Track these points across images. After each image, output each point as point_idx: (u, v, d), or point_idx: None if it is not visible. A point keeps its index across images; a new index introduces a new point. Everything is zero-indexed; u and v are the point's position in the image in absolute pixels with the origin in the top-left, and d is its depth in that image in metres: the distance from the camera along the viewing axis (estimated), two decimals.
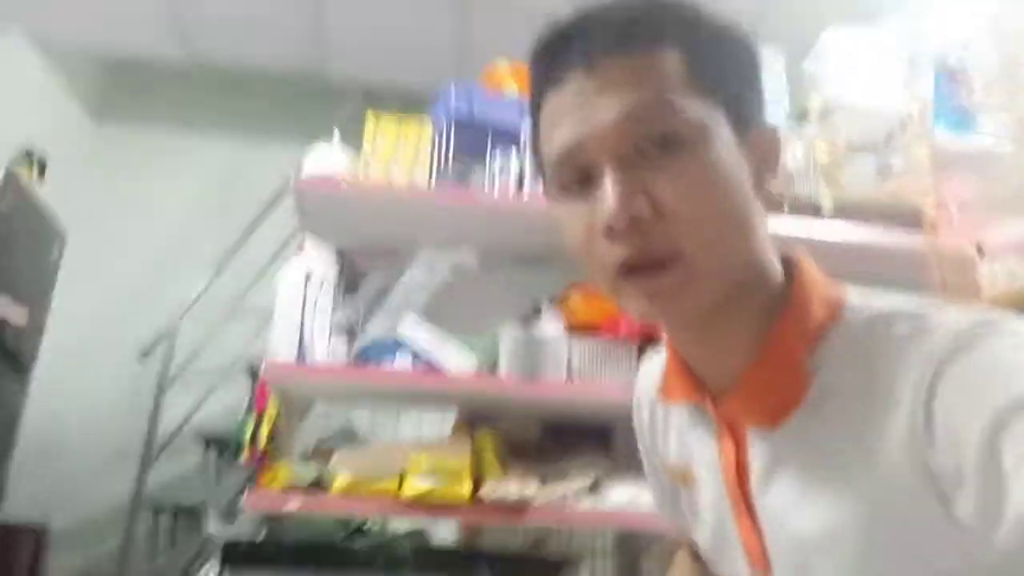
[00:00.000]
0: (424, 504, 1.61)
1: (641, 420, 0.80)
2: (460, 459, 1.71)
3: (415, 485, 1.62)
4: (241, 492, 1.73)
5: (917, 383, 0.53)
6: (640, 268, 0.57)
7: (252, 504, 1.62)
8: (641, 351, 1.76)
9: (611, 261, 0.57)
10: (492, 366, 1.80)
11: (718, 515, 0.68)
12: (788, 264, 0.64)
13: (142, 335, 3.54)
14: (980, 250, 1.56)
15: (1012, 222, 1.54)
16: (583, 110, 0.58)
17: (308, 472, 1.79)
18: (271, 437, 1.97)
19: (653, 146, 0.56)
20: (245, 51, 3.93)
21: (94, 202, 3.93)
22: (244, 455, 1.96)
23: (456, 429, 2.07)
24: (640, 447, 0.83)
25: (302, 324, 1.68)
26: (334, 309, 1.85)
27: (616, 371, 1.77)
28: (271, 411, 1.94)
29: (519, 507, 1.63)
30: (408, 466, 1.66)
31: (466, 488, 1.63)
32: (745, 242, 0.59)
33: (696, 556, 0.84)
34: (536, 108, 0.64)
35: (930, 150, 2.03)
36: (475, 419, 2.05)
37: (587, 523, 1.71)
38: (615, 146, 0.57)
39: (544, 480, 1.82)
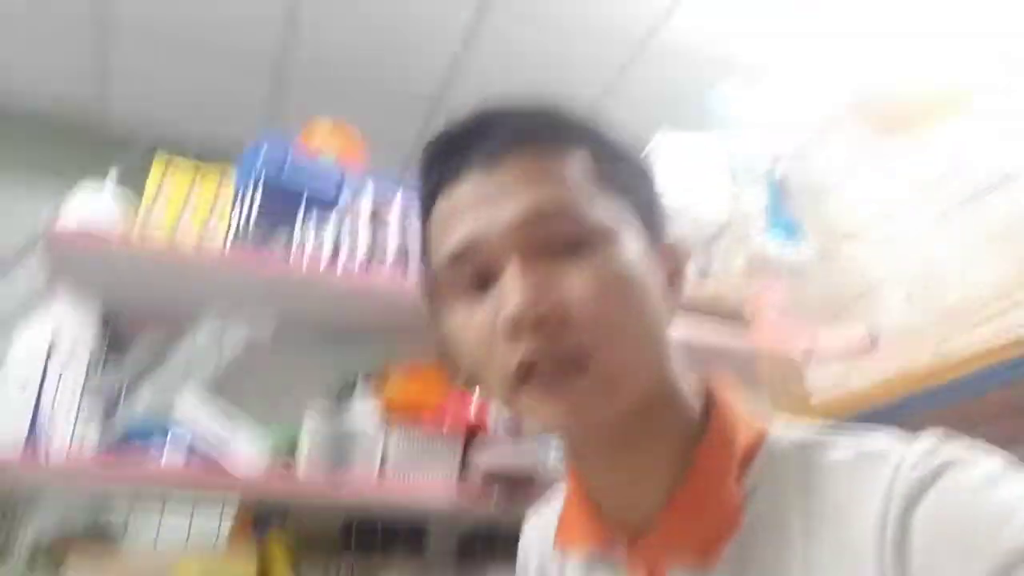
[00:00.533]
0: None
1: (526, 569, 0.73)
2: (242, 568, 1.38)
3: None
4: None
5: (880, 515, 0.48)
6: (547, 371, 0.52)
7: None
8: (467, 445, 1.57)
9: (513, 361, 0.52)
10: (290, 454, 1.51)
11: None
12: (706, 390, 0.60)
13: None
14: (807, 355, 1.56)
15: (834, 329, 1.57)
16: (485, 207, 0.54)
17: None
18: None
19: (560, 246, 0.53)
20: (10, 88, 3.36)
21: None
22: None
23: (238, 526, 1.72)
24: None
25: (39, 399, 1.30)
26: (88, 381, 1.47)
27: (437, 468, 1.55)
28: None
29: None
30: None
31: None
32: (657, 349, 0.56)
33: None
34: (426, 211, 0.60)
35: (747, 256, 2.10)
36: (263, 514, 1.72)
37: None
38: (519, 241, 0.53)
39: None
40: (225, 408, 1.50)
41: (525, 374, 0.52)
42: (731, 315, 1.99)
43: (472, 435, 1.57)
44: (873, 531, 0.48)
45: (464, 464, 1.56)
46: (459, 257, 0.55)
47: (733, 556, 0.53)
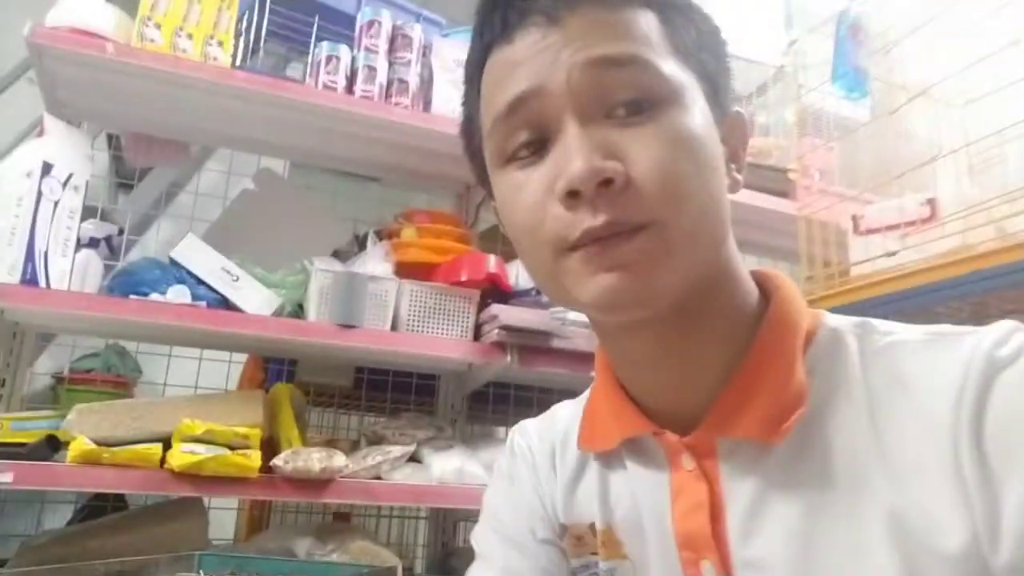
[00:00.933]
0: (198, 477, 1.26)
1: (521, 472, 0.66)
2: (248, 420, 1.37)
3: (185, 453, 1.26)
4: None
5: (957, 388, 0.46)
6: (604, 235, 0.47)
7: None
8: (483, 302, 1.50)
9: (568, 230, 0.48)
10: (299, 307, 1.46)
11: None
12: (761, 278, 0.57)
13: None
14: (856, 224, 1.43)
15: (888, 198, 1.43)
16: (545, 59, 0.50)
17: (34, 426, 1.36)
18: None
19: (623, 106, 0.49)
20: None
21: None
22: None
23: (246, 374, 1.71)
24: (500, 501, 0.67)
25: (33, 233, 1.22)
26: (86, 217, 1.40)
27: (451, 324, 1.49)
28: None
29: (321, 481, 1.33)
30: (178, 427, 1.30)
31: (254, 458, 1.30)
32: (719, 226, 0.51)
33: None
34: (477, 65, 0.55)
35: (798, 110, 1.92)
36: (272, 363, 1.70)
37: (403, 500, 1.45)
38: (580, 99, 0.49)
39: (354, 445, 1.53)
40: (231, 252, 1.43)
41: (578, 243, 0.47)
42: (773, 173, 1.85)
43: (489, 291, 1.50)
44: (949, 403, 0.46)
45: (479, 321, 1.49)
46: (514, 114, 0.50)
47: (798, 434, 0.50)
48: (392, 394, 1.83)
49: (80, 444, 1.24)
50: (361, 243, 1.62)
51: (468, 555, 1.79)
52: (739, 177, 0.55)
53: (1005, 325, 0.48)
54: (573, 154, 0.47)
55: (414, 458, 1.50)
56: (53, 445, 1.34)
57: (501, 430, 1.87)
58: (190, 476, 1.25)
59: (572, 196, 0.47)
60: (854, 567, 0.46)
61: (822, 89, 1.67)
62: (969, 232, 1.25)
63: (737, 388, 0.52)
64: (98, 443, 1.26)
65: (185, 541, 1.40)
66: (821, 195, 1.63)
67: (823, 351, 0.53)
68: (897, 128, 1.65)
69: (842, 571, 0.47)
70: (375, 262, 1.49)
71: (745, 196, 1.70)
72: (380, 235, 1.60)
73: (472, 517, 1.78)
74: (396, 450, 1.46)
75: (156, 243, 1.84)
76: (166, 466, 1.25)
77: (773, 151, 1.98)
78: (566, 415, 0.66)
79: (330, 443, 1.46)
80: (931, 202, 1.36)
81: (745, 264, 0.56)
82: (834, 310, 0.57)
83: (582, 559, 0.60)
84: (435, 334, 1.46)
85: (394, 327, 1.46)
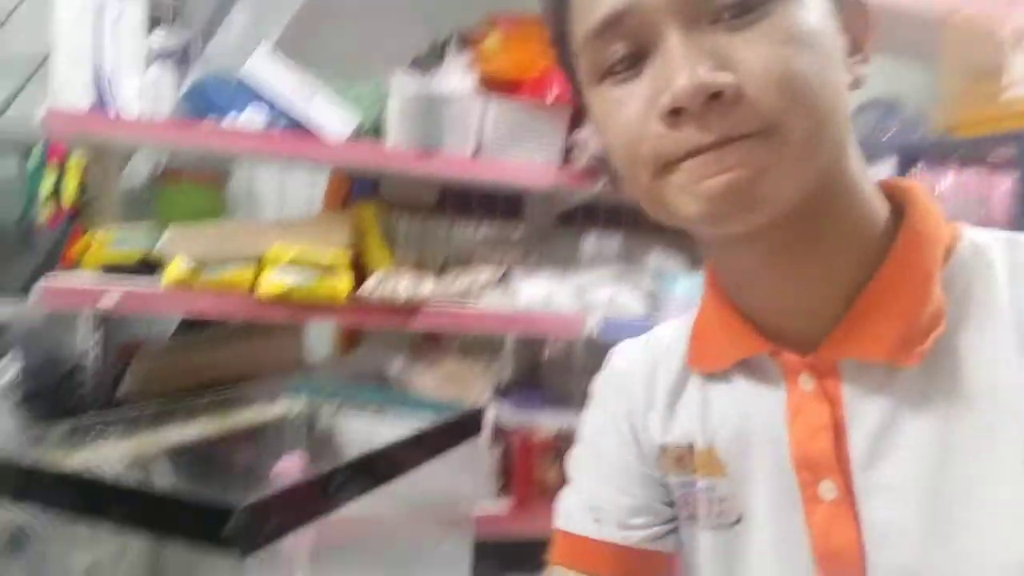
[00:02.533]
0: (288, 303, 1.27)
1: (621, 392, 0.62)
2: (335, 244, 1.35)
3: (276, 280, 1.27)
4: (44, 268, 1.32)
5: None
6: (713, 145, 0.43)
7: (52, 298, 1.22)
8: (574, 122, 1.38)
9: (677, 151, 0.44)
10: (376, 127, 1.37)
11: (755, 511, 0.53)
12: (894, 192, 0.52)
13: None
14: (1016, 35, 1.21)
15: None
16: None
17: (134, 242, 1.39)
18: (81, 192, 1.51)
19: (729, 9, 0.43)
20: None
21: None
22: (45, 216, 1.51)
23: (330, 192, 1.68)
24: (596, 420, 0.64)
25: (99, 53, 1.15)
26: (154, 27, 1.31)
27: (538, 145, 1.39)
28: (76, 161, 1.46)
29: (409, 308, 1.34)
30: (268, 255, 1.30)
31: (343, 284, 1.30)
32: (841, 129, 0.46)
33: None
34: None
35: None
36: (356, 183, 1.66)
37: (491, 327, 1.45)
38: (681, 4, 0.43)
39: (442, 268, 1.51)
40: (305, 60, 1.33)
41: (683, 159, 0.44)
42: None
43: (580, 110, 1.37)
44: None
45: (568, 144, 1.39)
46: (608, 28, 0.46)
47: (932, 355, 0.47)
48: (479, 213, 1.78)
49: (176, 268, 1.26)
50: (441, 51, 1.49)
51: (553, 371, 1.81)
52: (862, 72, 0.49)
53: None
54: (676, 67, 0.42)
55: (503, 282, 1.48)
56: (150, 266, 1.38)
57: (589, 250, 1.81)
58: (283, 301, 1.27)
59: (676, 114, 0.43)
60: (990, 491, 0.44)
61: None
62: None
63: (866, 306, 0.48)
64: (191, 266, 1.28)
65: (281, 357, 1.46)
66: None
67: (963, 267, 0.49)
68: None
69: (975, 496, 0.45)
70: (456, 76, 1.37)
71: None
72: (463, 42, 1.46)
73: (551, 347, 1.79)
74: (484, 274, 1.44)
75: (226, 46, 1.74)
76: (259, 292, 1.27)
77: None
78: (668, 334, 0.63)
79: (418, 266, 1.45)
80: None
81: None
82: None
83: (680, 477, 0.58)
84: (520, 158, 1.37)
85: (477, 150, 1.37)
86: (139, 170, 1.69)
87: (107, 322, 1.47)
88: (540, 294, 1.44)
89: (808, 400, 0.50)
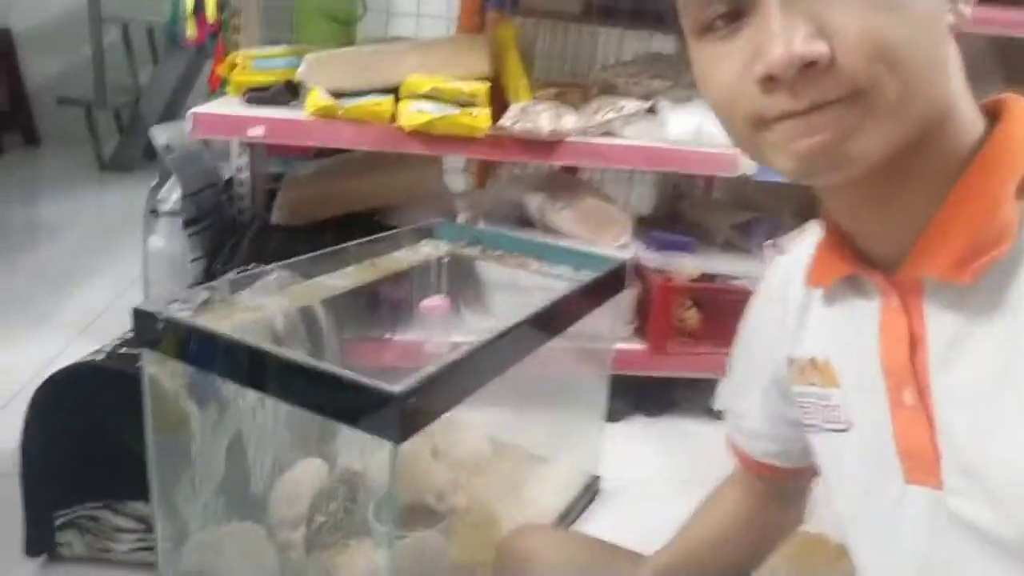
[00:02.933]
0: (428, 136, 1.24)
1: (769, 304, 0.67)
2: (474, 71, 1.28)
3: (415, 113, 1.23)
4: (184, 87, 1.34)
5: None
6: (806, 109, 0.44)
7: (202, 128, 1.25)
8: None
9: (763, 113, 0.45)
10: None
11: (861, 417, 0.57)
12: (993, 109, 0.51)
13: None
14: None
15: None
16: None
17: (274, 65, 1.37)
18: (221, 7, 1.48)
19: None
20: None
21: None
22: (189, 32, 1.49)
23: (466, 8, 1.56)
24: (748, 332, 0.70)
25: None
26: None
27: None
28: None
29: (550, 141, 1.27)
30: (405, 87, 1.24)
31: (483, 117, 1.24)
32: (937, 81, 0.46)
33: (762, 486, 0.74)
34: None
35: None
36: None
37: (634, 163, 1.36)
38: None
39: (585, 94, 1.40)
40: None
41: (776, 119, 0.45)
42: None
43: None
44: None
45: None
46: None
47: (997, 278, 0.49)
48: (626, 19, 1.61)
49: (316, 97, 1.24)
50: None
51: (696, 210, 1.71)
52: (966, 11, 0.48)
53: None
54: (773, 35, 0.43)
55: (651, 112, 1.37)
56: (291, 89, 1.36)
57: None
58: (422, 134, 1.23)
59: (770, 80, 0.44)
60: None
61: None
62: None
63: (938, 225, 0.50)
64: (331, 94, 1.25)
65: (421, 187, 1.45)
66: None
67: None
68: None
69: None
70: None
71: None
72: None
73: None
74: (630, 105, 1.33)
75: None
76: (396, 124, 1.24)
77: None
78: (802, 251, 0.64)
79: (560, 96, 1.35)
80: None
81: None
82: None
83: (803, 387, 0.62)
84: None
85: None
86: None
87: (254, 147, 1.50)
88: (691, 127, 1.32)
89: (894, 315, 0.54)
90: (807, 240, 0.64)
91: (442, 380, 0.68)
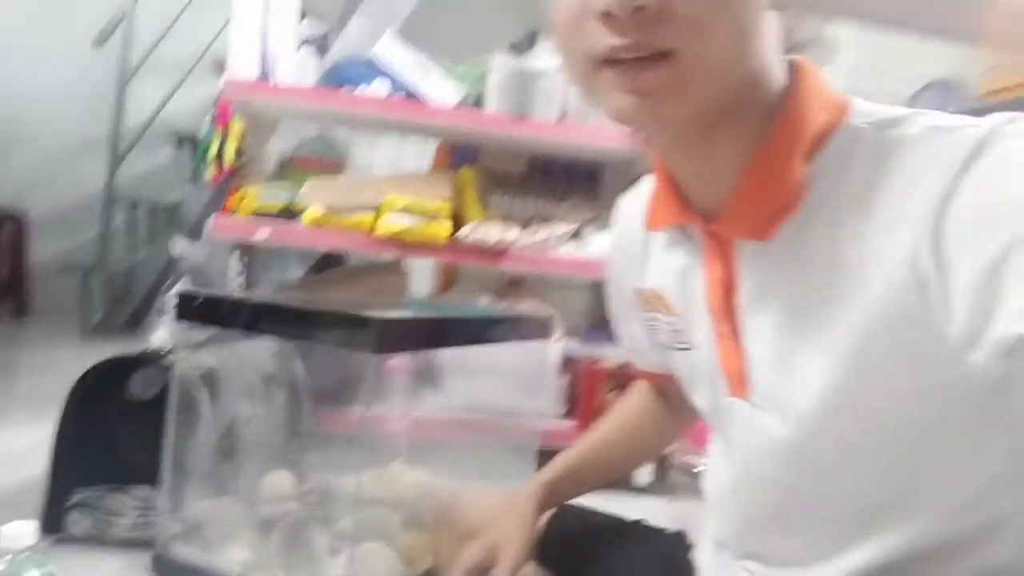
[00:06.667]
0: (399, 242, 1.55)
1: (618, 245, 0.75)
2: (440, 197, 1.62)
3: (391, 223, 1.55)
4: (208, 214, 1.65)
5: (931, 188, 0.49)
6: (630, 59, 0.50)
7: (219, 231, 1.54)
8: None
9: (599, 48, 0.51)
10: (478, 99, 1.64)
11: (697, 340, 0.66)
12: (792, 71, 0.57)
13: (92, 21, 3.20)
14: None
15: None
16: None
17: (278, 196, 1.70)
18: (239, 154, 1.85)
19: None
20: None
21: None
22: (210, 173, 1.85)
23: (437, 158, 1.96)
24: (611, 271, 0.78)
25: (264, 36, 1.47)
26: (302, 18, 1.62)
27: None
28: (236, 128, 1.79)
29: (498, 250, 1.58)
30: (384, 202, 1.58)
31: (444, 228, 1.57)
32: (749, 50, 0.53)
33: (660, 392, 0.84)
34: None
35: None
36: (458, 150, 1.93)
37: (566, 270, 1.69)
38: None
39: (527, 223, 1.76)
40: (420, 46, 1.61)
41: (608, 60, 0.51)
42: None
43: None
44: (923, 198, 0.49)
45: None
46: None
47: (793, 235, 0.55)
48: (563, 182, 2.01)
49: (313, 210, 1.56)
50: (533, 38, 1.74)
51: None
52: None
53: (998, 117, 0.49)
54: None
55: (577, 236, 1.71)
56: (291, 214, 1.69)
57: None
58: (395, 240, 1.55)
59: (606, 17, 0.49)
60: (817, 339, 0.55)
61: None
62: None
63: (742, 189, 0.56)
64: (324, 211, 1.58)
65: (391, 291, 1.74)
66: None
67: (836, 152, 0.55)
68: None
69: (808, 342, 0.56)
70: (546, 56, 1.61)
71: None
72: (549, 33, 1.70)
73: None
74: (562, 227, 1.68)
75: (357, 34, 2.05)
76: (376, 232, 1.55)
77: None
78: (642, 192, 0.72)
79: (506, 220, 1.70)
80: None
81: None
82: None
83: (648, 314, 0.71)
84: (599, 125, 1.60)
85: (561, 117, 1.61)
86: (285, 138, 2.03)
87: (251, 262, 1.80)
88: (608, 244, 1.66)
89: (712, 260, 0.61)
90: (645, 184, 0.72)
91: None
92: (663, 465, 1.56)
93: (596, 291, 1.93)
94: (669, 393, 0.81)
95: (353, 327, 0.85)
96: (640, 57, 0.50)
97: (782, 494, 0.63)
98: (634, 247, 0.71)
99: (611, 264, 0.77)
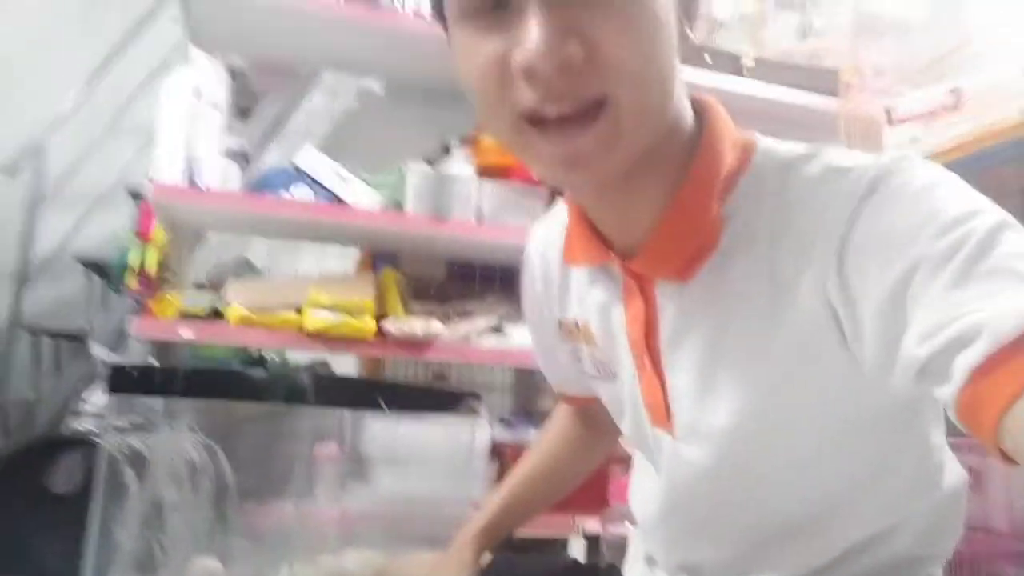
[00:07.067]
0: (327, 337, 1.58)
1: (533, 277, 0.77)
2: (363, 295, 1.68)
3: (317, 318, 1.59)
4: (129, 318, 1.65)
5: (832, 225, 0.52)
6: (559, 116, 0.50)
7: (142, 331, 1.55)
8: (552, 197, 1.74)
9: (524, 106, 0.50)
10: (397, 204, 1.74)
11: (621, 372, 0.68)
12: (698, 110, 0.60)
13: (2, 148, 3.21)
14: (889, 116, 1.58)
15: (921, 91, 1.56)
16: None
17: (201, 301, 1.72)
18: (160, 264, 1.87)
19: None
20: None
21: None
22: (131, 283, 1.85)
23: (359, 266, 2.03)
24: (526, 301, 0.80)
25: (190, 145, 1.54)
26: (226, 132, 1.71)
27: (526, 216, 1.74)
28: (158, 237, 1.82)
29: (423, 342, 1.64)
30: (307, 300, 1.62)
31: (369, 323, 1.62)
32: (670, 94, 0.55)
33: (583, 415, 0.88)
34: None
35: (854, 13, 2.02)
36: (379, 257, 2.01)
37: (489, 360, 1.75)
38: None
39: (448, 319, 1.83)
40: (340, 160, 1.72)
41: (535, 119, 0.50)
42: (825, 75, 1.97)
43: (558, 189, 1.73)
44: (825, 235, 0.52)
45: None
46: None
47: (710, 275, 0.57)
48: (479, 285, 2.11)
49: (237, 310, 1.59)
50: (447, 150, 1.88)
51: (543, 398, 2.06)
52: (691, 34, 0.55)
53: (890, 156, 0.53)
54: (533, 32, 0.47)
55: (498, 330, 1.79)
56: (216, 314, 1.70)
57: None
58: (321, 337, 1.58)
59: (530, 74, 0.48)
60: (730, 374, 0.58)
61: None
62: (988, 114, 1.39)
63: (661, 231, 0.58)
64: (250, 310, 1.61)
65: None
66: (865, 91, 1.78)
67: (746, 192, 0.57)
68: (949, 21, 1.77)
69: (722, 376, 0.58)
70: (459, 165, 1.75)
71: (797, 96, 1.85)
72: (464, 143, 1.85)
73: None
74: (482, 321, 1.76)
75: (274, 158, 2.16)
76: (303, 329, 1.59)
77: (828, 54, 2.09)
78: (556, 220, 0.72)
79: (428, 314, 1.77)
80: (955, 91, 1.49)
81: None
82: None
83: (570, 344, 0.73)
84: (512, 225, 1.72)
85: (478, 220, 1.73)
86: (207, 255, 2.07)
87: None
88: (528, 337, 1.74)
89: (632, 298, 0.62)
90: (557, 211, 0.72)
91: None
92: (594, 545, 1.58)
93: (520, 381, 2.00)
94: (591, 415, 0.84)
95: (289, 382, 0.89)
96: (568, 116, 0.49)
97: (708, 513, 0.67)
98: (551, 278, 0.72)
99: (528, 292, 0.78)
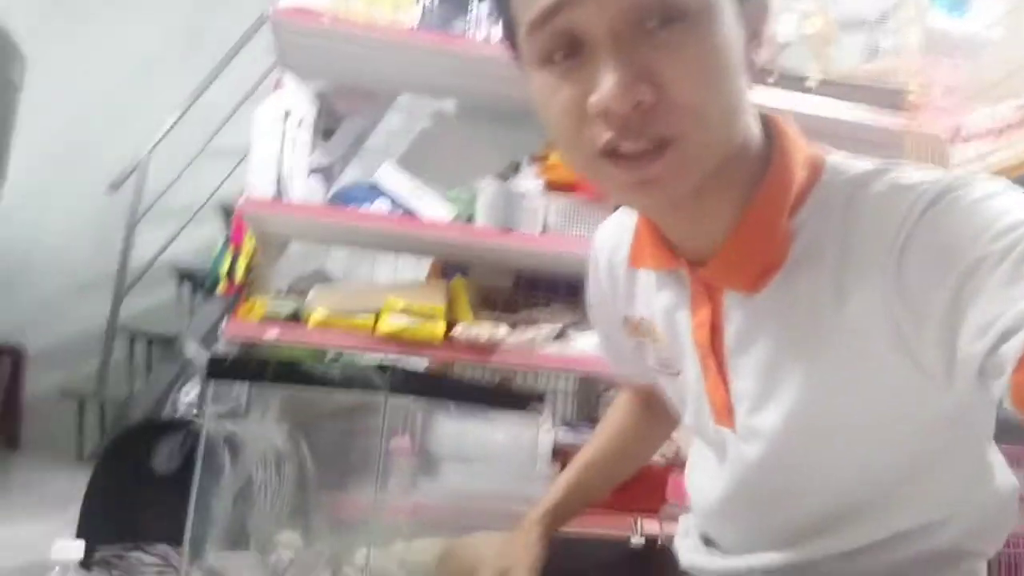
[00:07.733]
0: (398, 340, 1.69)
1: (599, 274, 0.80)
2: (435, 301, 1.78)
3: (391, 322, 1.69)
4: (220, 321, 1.79)
5: (893, 237, 0.53)
6: (630, 152, 0.53)
7: (232, 332, 1.68)
8: (616, 209, 1.81)
9: (600, 143, 0.54)
10: (469, 218, 1.84)
11: (685, 370, 0.71)
12: (768, 127, 0.62)
13: (108, 167, 3.48)
14: (957, 133, 1.59)
15: (991, 108, 1.57)
16: None
17: (286, 306, 1.86)
18: (248, 271, 2.02)
19: (655, 19, 0.51)
20: None
21: (57, 27, 3.73)
22: (221, 288, 2.01)
23: (431, 275, 2.14)
24: (592, 298, 0.84)
25: (280, 162, 1.68)
26: (312, 150, 1.84)
27: (590, 229, 1.81)
28: (248, 246, 1.97)
29: (489, 347, 1.73)
30: (384, 305, 1.73)
31: (440, 328, 1.71)
32: (738, 121, 0.57)
33: (645, 401, 0.91)
34: None
35: (923, 32, 2.03)
36: (450, 267, 2.12)
37: (552, 366, 1.82)
38: (615, 18, 0.51)
39: (514, 326, 1.91)
40: (416, 176, 1.83)
41: (610, 153, 0.54)
42: (894, 94, 1.98)
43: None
44: (887, 247, 0.53)
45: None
46: (547, 21, 0.53)
47: (778, 287, 0.59)
48: (545, 295, 2.19)
49: (319, 313, 1.71)
50: (516, 168, 1.98)
51: (606, 404, 2.12)
52: (756, 60, 0.57)
53: (953, 173, 0.54)
54: (608, 76, 0.51)
55: (562, 336, 1.86)
56: (298, 317, 1.83)
57: None
58: (393, 339, 1.69)
59: (607, 115, 0.52)
60: (790, 382, 0.60)
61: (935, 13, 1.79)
62: None
63: (732, 245, 0.60)
64: (329, 313, 1.73)
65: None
66: (932, 109, 1.79)
67: (815, 208, 0.59)
68: (1016, 40, 1.77)
69: (784, 383, 0.61)
70: (528, 180, 1.84)
71: (862, 114, 1.86)
72: (532, 160, 1.94)
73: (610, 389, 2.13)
74: (547, 328, 1.83)
75: (355, 174, 2.30)
76: (377, 332, 1.69)
77: (896, 73, 2.10)
78: (622, 222, 0.75)
79: (496, 320, 1.86)
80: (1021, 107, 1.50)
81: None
82: None
83: (635, 339, 0.77)
84: (577, 237, 1.80)
85: (544, 232, 1.81)
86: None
87: None
88: (592, 343, 1.81)
89: (700, 303, 0.65)
90: (622, 215, 0.75)
91: None
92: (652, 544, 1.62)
93: (583, 388, 2.06)
94: (652, 401, 0.86)
95: (366, 374, 0.99)
96: (641, 152, 0.52)
97: (765, 501, 0.71)
98: (618, 277, 0.75)
99: (594, 287, 0.81)
